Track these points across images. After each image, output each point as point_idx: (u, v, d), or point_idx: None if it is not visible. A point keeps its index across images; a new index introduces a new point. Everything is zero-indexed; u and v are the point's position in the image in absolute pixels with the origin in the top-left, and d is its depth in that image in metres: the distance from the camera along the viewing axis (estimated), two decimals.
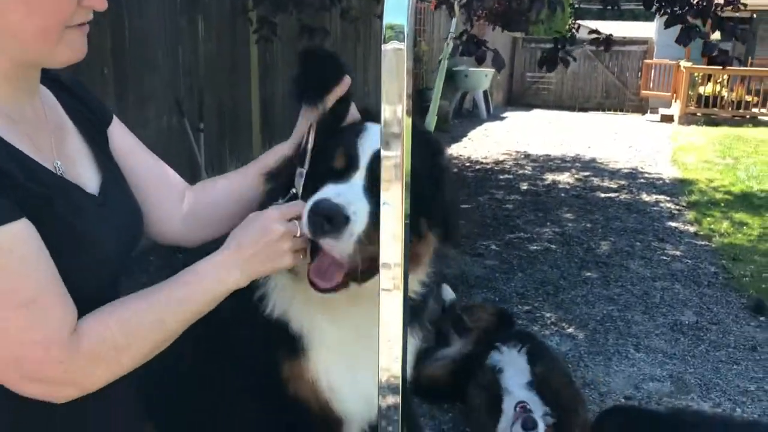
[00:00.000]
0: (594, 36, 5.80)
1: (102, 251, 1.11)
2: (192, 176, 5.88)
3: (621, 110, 15.96)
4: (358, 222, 1.20)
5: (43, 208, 1.01)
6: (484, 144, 10.50)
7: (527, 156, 9.70)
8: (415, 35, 10.44)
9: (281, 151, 1.44)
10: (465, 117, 13.09)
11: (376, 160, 1.26)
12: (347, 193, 1.23)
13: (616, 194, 7.60)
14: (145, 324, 1.08)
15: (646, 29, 17.12)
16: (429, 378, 3.28)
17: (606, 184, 8.12)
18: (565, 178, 8.38)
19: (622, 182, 8.21)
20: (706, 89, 13.22)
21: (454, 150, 9.94)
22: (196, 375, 1.55)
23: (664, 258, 5.52)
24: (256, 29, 5.38)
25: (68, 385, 1.03)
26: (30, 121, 1.09)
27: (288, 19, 6.43)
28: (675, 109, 13.67)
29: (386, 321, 0.97)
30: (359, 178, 1.27)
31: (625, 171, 8.88)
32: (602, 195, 7.55)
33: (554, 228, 6.26)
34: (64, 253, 1.02)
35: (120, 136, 1.34)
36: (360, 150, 1.30)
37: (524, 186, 7.90)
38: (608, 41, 5.52)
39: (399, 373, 1.00)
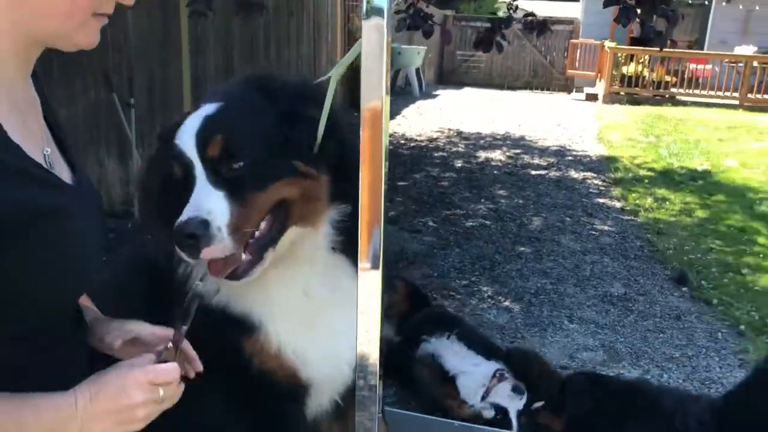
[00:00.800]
0: (529, 18, 5.87)
1: (86, 242, 1.07)
2: (122, 152, 5.70)
3: (548, 89, 16.32)
4: (215, 217, 1.24)
5: (32, 208, 0.96)
6: (418, 121, 10.57)
7: (460, 134, 9.83)
8: (347, 11, 10.38)
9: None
10: (398, 94, 13.12)
11: (204, 143, 1.30)
12: (194, 202, 1.27)
13: (546, 171, 7.81)
14: None
15: (572, 9, 17.50)
16: None
17: (536, 161, 8.32)
18: (497, 155, 8.54)
19: (551, 159, 8.43)
20: (629, 69, 13.66)
21: (389, 127, 9.96)
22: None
23: (593, 233, 5.73)
24: (189, 2, 5.23)
25: None
26: (24, 105, 1.05)
27: None
28: (599, 89, 14.08)
29: (365, 297, 0.99)
30: (200, 174, 1.30)
31: (554, 149, 9.12)
32: (533, 172, 7.74)
33: (488, 204, 6.39)
34: (53, 245, 0.98)
35: None
36: (187, 150, 1.31)
37: (458, 163, 8.01)
38: (544, 25, 5.61)
39: (377, 353, 1.02)
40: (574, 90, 15.43)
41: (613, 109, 12.65)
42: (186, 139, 1.32)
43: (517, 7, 5.80)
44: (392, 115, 10.87)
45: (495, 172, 7.70)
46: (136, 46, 5.70)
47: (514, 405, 2.80)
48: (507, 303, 4.31)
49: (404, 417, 1.87)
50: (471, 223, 5.82)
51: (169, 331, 1.14)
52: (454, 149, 8.82)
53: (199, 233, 1.21)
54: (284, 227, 1.36)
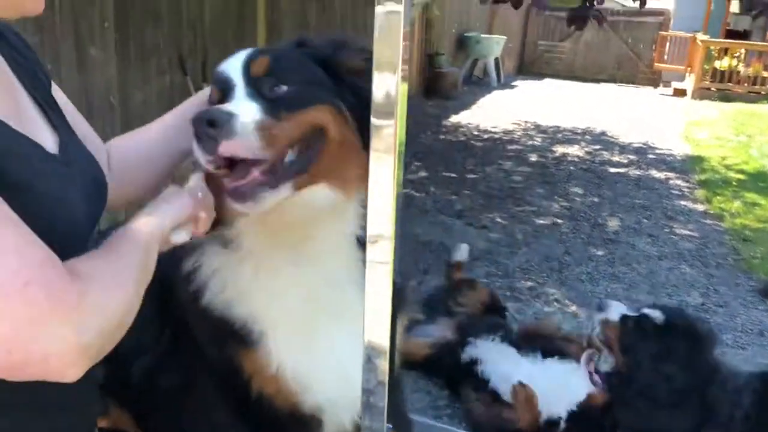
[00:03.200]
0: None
1: (71, 213, 1.02)
2: None
3: (633, 83, 15.67)
4: (244, 114, 1.12)
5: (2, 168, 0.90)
6: (494, 113, 10.31)
7: (537, 127, 9.53)
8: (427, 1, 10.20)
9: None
10: (475, 84, 12.86)
11: (249, 63, 1.23)
12: (223, 106, 1.17)
13: (626, 169, 7.46)
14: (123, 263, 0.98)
15: (664, 1, 16.72)
16: (404, 352, 3.20)
17: (616, 158, 7.96)
18: (574, 150, 8.22)
19: (632, 157, 8.05)
20: (722, 64, 12.94)
21: (463, 118, 9.77)
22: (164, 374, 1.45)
23: (672, 237, 5.41)
24: None
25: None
26: None
27: None
28: (689, 83, 13.41)
29: (372, 294, 0.87)
30: (240, 91, 1.20)
31: (636, 146, 8.71)
32: (612, 170, 7.41)
33: (562, 202, 6.14)
34: (30, 216, 0.92)
35: (62, 98, 1.26)
36: (231, 72, 1.24)
37: (533, 158, 7.75)
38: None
39: (386, 349, 0.90)
40: (661, 84, 14.77)
41: (702, 106, 12.02)
42: (231, 63, 1.25)
43: None
44: (467, 105, 10.66)
45: (571, 168, 7.41)
46: (211, 28, 5.73)
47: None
48: (573, 308, 4.10)
49: (433, 429, 1.75)
50: (541, 221, 5.60)
51: None
52: (530, 142, 8.55)
53: (222, 120, 1.09)
54: (309, 170, 1.21)
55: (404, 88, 0.78)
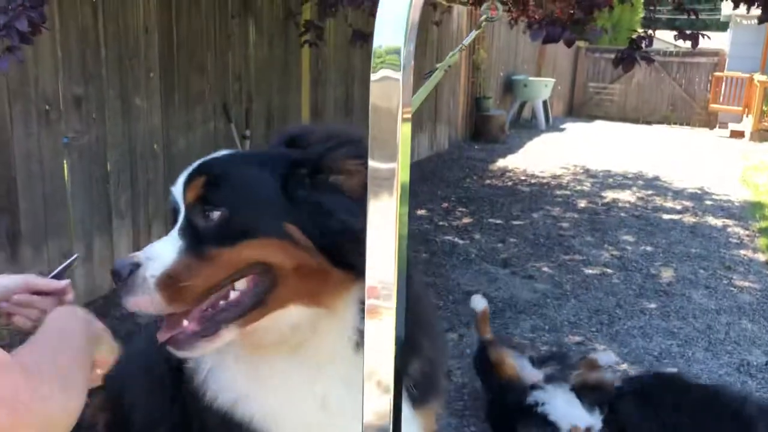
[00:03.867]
0: (677, 33, 5.22)
1: None
2: None
3: (687, 124, 15.29)
4: (151, 264, 1.05)
5: None
6: (542, 157, 10.13)
7: (586, 171, 9.31)
8: (473, 44, 10.18)
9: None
10: (523, 127, 12.73)
11: (186, 187, 1.15)
12: (149, 247, 1.11)
13: (680, 216, 7.17)
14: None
15: (718, 41, 16.37)
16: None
17: (669, 204, 7.68)
18: (625, 196, 7.97)
19: (687, 203, 7.75)
20: None
21: (510, 162, 9.62)
22: None
23: (731, 289, 5.12)
24: (301, 32, 5.23)
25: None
26: None
27: (341, 24, 6.28)
28: (746, 125, 12.99)
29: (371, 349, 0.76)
30: (180, 222, 1.13)
31: (691, 191, 8.41)
32: (665, 216, 7.13)
33: (612, 251, 5.91)
34: None
35: None
36: (176, 195, 1.16)
37: (582, 203, 7.54)
38: (695, 38, 4.94)
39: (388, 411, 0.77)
40: (717, 126, 14.35)
41: (761, 149, 11.59)
42: (178, 183, 1.17)
43: (652, 38, 5.29)
44: (514, 149, 10.52)
45: (622, 214, 7.17)
46: (256, 77, 5.79)
47: None
48: (625, 366, 3.87)
49: None
50: (590, 271, 5.38)
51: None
52: (579, 187, 8.33)
53: (121, 274, 1.04)
54: (263, 303, 1.10)
55: (407, 128, 0.67)
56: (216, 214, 1.09)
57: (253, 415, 1.18)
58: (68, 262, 1.52)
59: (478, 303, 3.67)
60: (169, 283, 1.04)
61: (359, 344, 1.14)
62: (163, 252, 1.07)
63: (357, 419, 1.13)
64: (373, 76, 0.63)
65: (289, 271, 1.10)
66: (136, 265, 1.05)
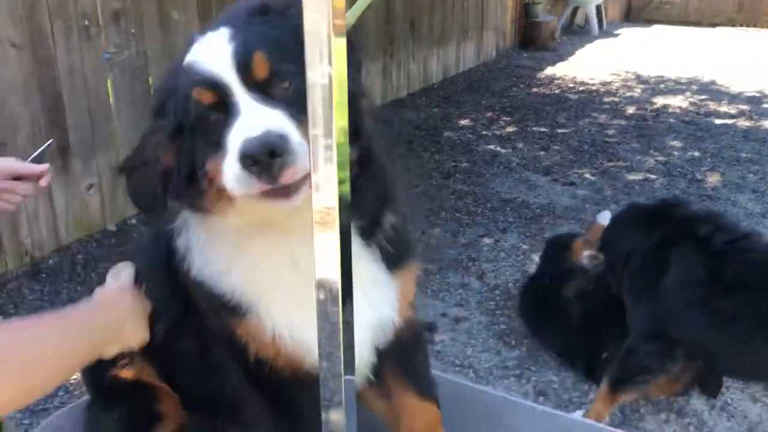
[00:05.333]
0: None
1: None
2: None
3: (755, 25, 14.44)
4: (289, 130, 1.02)
5: None
6: (592, 64, 9.80)
7: (638, 77, 8.99)
8: None
9: None
10: (575, 34, 12.27)
11: (245, 64, 1.08)
12: (250, 121, 1.04)
13: (734, 120, 6.93)
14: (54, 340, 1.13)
15: None
16: None
17: (724, 108, 7.40)
18: (677, 101, 7.71)
19: (743, 107, 7.46)
20: None
21: (559, 70, 9.36)
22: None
23: None
24: None
25: None
26: None
27: None
28: None
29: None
30: (244, 99, 1.07)
31: (749, 94, 8.05)
32: (717, 121, 6.90)
33: (657, 156, 5.79)
34: None
35: None
36: (221, 73, 1.09)
37: (630, 110, 7.34)
38: None
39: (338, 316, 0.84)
40: None
41: None
42: (216, 60, 1.10)
43: None
44: (564, 57, 10.20)
45: (672, 120, 6.96)
46: None
47: None
48: None
49: (447, 383, 1.69)
50: (633, 177, 5.31)
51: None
52: (628, 94, 8.09)
53: (283, 149, 0.99)
54: None
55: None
56: (287, 86, 1.09)
57: (234, 284, 1.25)
58: (45, 146, 1.67)
59: (605, 217, 3.73)
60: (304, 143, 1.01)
61: None
62: (283, 120, 1.04)
63: None
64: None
65: None
66: (284, 137, 1.01)
